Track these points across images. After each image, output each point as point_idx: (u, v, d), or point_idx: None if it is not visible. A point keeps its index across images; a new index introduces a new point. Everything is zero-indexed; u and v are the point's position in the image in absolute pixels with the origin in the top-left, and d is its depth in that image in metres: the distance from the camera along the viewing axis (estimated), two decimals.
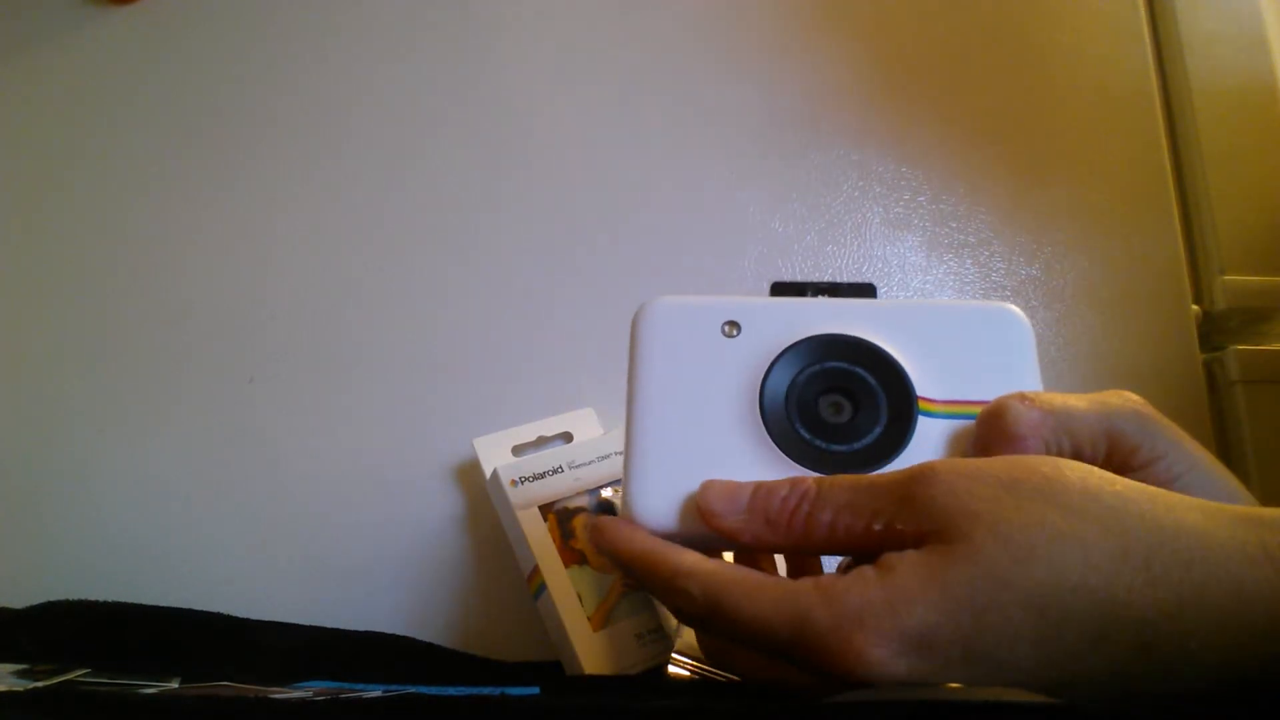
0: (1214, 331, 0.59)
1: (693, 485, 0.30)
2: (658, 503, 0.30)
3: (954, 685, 0.24)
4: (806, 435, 0.31)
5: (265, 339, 0.52)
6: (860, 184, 0.59)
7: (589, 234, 0.56)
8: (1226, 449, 0.56)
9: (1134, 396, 0.29)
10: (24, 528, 0.48)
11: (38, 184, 0.53)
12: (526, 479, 0.46)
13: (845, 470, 0.30)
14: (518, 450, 0.49)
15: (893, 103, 0.61)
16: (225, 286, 0.52)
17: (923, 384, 0.31)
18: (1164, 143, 0.61)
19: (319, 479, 0.49)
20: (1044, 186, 0.60)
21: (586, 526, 0.31)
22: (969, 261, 0.58)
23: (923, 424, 0.31)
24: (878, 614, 0.24)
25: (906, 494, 0.26)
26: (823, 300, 0.33)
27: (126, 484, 0.49)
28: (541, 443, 0.50)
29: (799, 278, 0.56)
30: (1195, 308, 0.58)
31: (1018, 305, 0.58)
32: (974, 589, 0.24)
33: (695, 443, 0.31)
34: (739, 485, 0.29)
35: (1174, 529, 0.24)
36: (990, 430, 0.29)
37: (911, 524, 0.26)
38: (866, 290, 0.34)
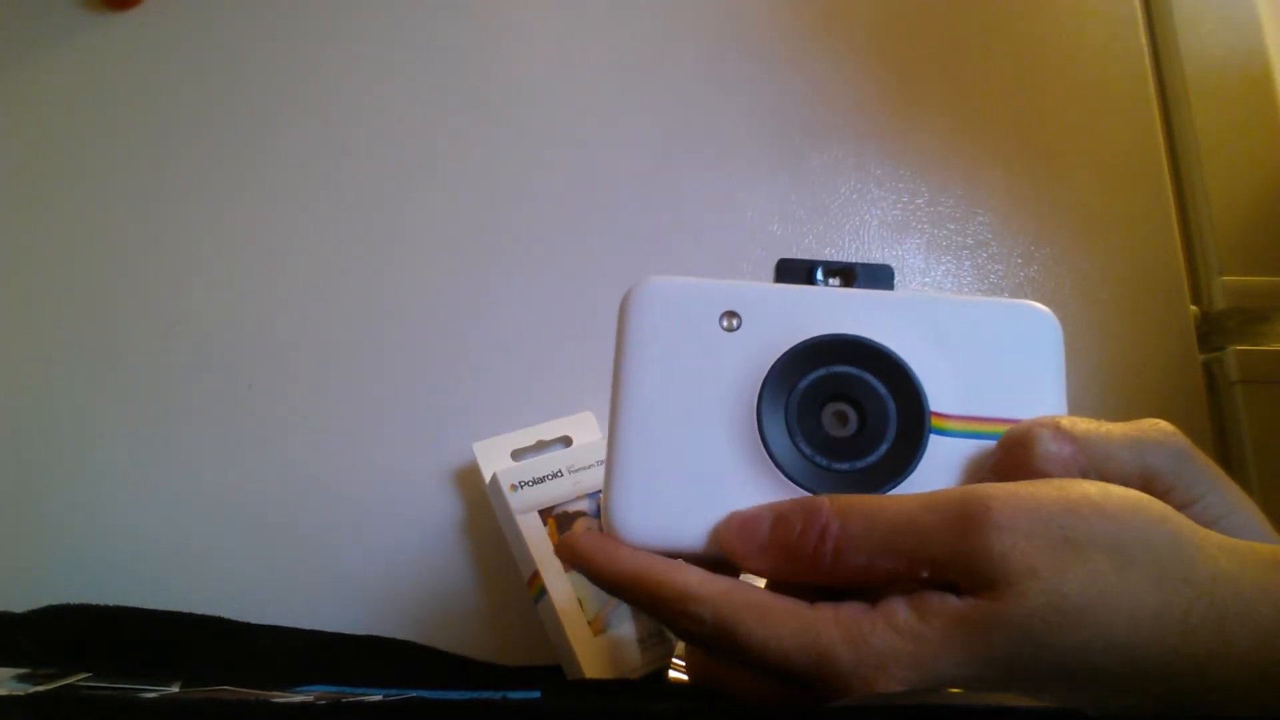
0: (1213, 332, 0.59)
1: (679, 500, 0.28)
2: (641, 518, 0.28)
3: (955, 690, 0.24)
4: (806, 451, 0.28)
5: (264, 344, 0.52)
6: (858, 186, 0.59)
7: (588, 237, 0.56)
8: (1226, 449, 0.56)
9: (1170, 429, 0.27)
10: (25, 532, 0.48)
11: (37, 190, 0.53)
12: (526, 483, 0.46)
13: (846, 490, 0.28)
14: (517, 455, 0.49)
15: (891, 105, 0.61)
16: (224, 292, 0.52)
17: (937, 395, 0.28)
18: (1162, 143, 0.61)
19: (318, 484, 0.49)
20: (1042, 188, 0.60)
21: (558, 546, 0.29)
22: (967, 264, 0.58)
23: (934, 443, 0.28)
24: (903, 665, 0.23)
25: (959, 539, 0.24)
26: (833, 291, 0.30)
27: (127, 488, 0.49)
28: (541, 447, 0.50)
29: None
30: (1194, 308, 0.58)
31: None
32: (1013, 651, 0.23)
33: (684, 453, 0.28)
34: (758, 517, 0.27)
35: (1210, 580, 0.23)
36: (1013, 461, 0.27)
37: (964, 577, 0.24)
38: (883, 274, 0.31)
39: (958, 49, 0.62)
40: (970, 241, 0.59)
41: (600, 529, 0.29)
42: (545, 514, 0.46)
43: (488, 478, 0.47)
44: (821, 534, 0.26)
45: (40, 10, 0.56)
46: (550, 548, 0.45)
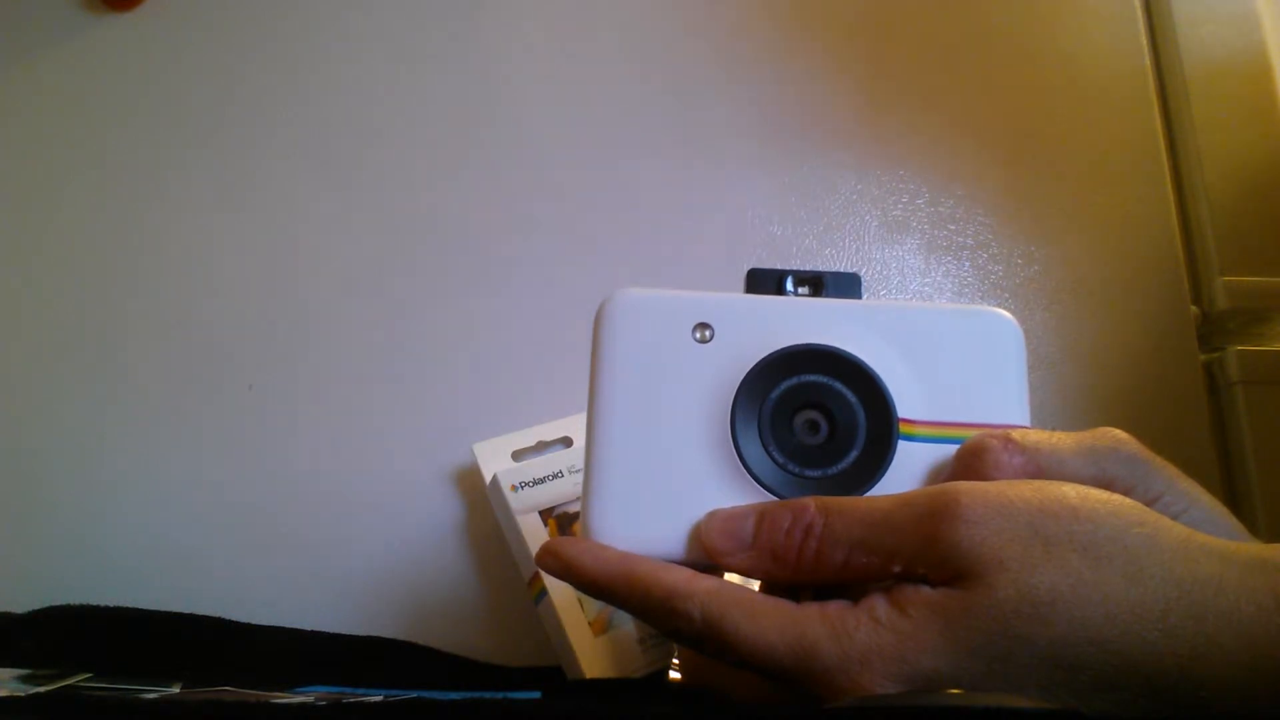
0: (1213, 333, 0.59)
1: (657, 508, 0.28)
2: (621, 526, 0.28)
3: (955, 690, 0.24)
4: (780, 459, 0.29)
5: (264, 345, 0.52)
6: (858, 187, 0.59)
7: (587, 238, 0.56)
8: (1226, 450, 0.56)
9: (1122, 435, 0.28)
10: (26, 533, 0.48)
11: (37, 192, 0.53)
12: (526, 484, 0.46)
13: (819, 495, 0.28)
14: (518, 455, 0.49)
15: (890, 105, 0.61)
16: (224, 293, 0.52)
17: (905, 401, 0.29)
18: (1162, 144, 0.61)
19: (318, 485, 0.49)
20: (1042, 188, 0.60)
21: (538, 554, 0.29)
22: (967, 264, 0.58)
23: (902, 448, 0.29)
24: (886, 659, 0.24)
25: (929, 533, 0.25)
26: (802, 301, 0.31)
27: (127, 489, 0.49)
28: (541, 447, 0.50)
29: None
30: (1194, 309, 0.58)
31: (1016, 308, 0.58)
32: (989, 642, 0.23)
33: (661, 462, 0.29)
34: (741, 516, 0.28)
35: (1191, 580, 0.23)
36: (967, 472, 0.27)
37: (934, 569, 0.25)
38: (851, 282, 0.32)
39: (958, 50, 0.63)
40: (970, 242, 0.59)
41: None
42: (546, 514, 0.46)
43: (488, 478, 0.47)
44: (806, 531, 0.26)
45: (40, 10, 0.56)
46: None
